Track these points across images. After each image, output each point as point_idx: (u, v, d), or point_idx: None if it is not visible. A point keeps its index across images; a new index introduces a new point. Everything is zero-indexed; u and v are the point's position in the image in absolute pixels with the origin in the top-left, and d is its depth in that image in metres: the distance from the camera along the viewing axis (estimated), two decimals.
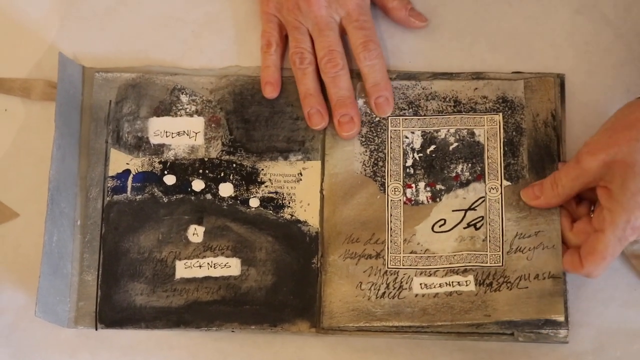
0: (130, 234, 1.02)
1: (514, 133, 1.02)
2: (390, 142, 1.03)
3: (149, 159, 1.04)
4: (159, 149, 1.05)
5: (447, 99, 1.04)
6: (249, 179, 1.03)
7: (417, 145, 1.03)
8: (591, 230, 0.96)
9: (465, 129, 1.03)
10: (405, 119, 1.04)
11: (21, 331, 1.03)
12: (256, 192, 1.03)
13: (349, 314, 0.99)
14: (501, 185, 1.01)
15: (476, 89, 1.04)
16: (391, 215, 1.01)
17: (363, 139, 1.03)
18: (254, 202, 1.03)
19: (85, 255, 1.02)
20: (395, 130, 1.04)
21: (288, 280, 1.00)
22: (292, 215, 1.02)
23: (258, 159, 1.04)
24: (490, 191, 1.01)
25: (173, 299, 1.00)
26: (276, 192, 1.03)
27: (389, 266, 1.00)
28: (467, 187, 1.01)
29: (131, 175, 1.04)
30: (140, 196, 1.03)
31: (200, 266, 1.01)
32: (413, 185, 1.02)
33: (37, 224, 1.01)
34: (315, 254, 1.01)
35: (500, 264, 0.98)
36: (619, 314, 1.00)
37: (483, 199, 1.01)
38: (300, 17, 1.04)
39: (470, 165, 1.02)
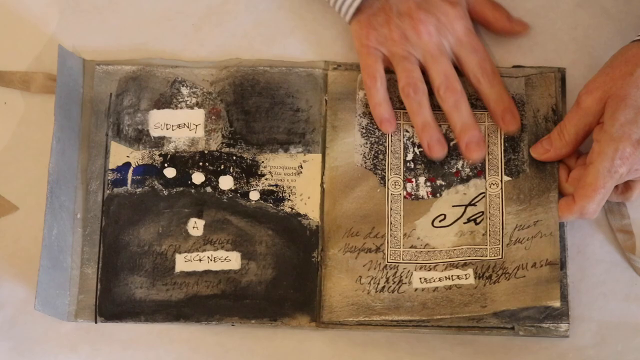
0: (130, 227, 1.02)
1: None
2: (391, 135, 1.03)
3: (149, 152, 1.04)
4: (160, 142, 1.04)
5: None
6: (249, 171, 1.03)
7: (417, 139, 1.03)
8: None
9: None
10: (406, 112, 1.03)
11: (21, 325, 1.03)
12: (256, 185, 1.03)
13: (349, 308, 0.99)
14: (501, 181, 1.01)
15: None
16: (391, 209, 1.01)
17: (363, 131, 1.03)
18: (254, 195, 1.03)
19: (85, 249, 1.02)
20: (396, 123, 1.03)
21: (288, 274, 1.00)
22: (292, 209, 1.02)
23: (258, 151, 1.04)
24: (490, 187, 1.01)
25: (173, 293, 1.00)
26: (276, 185, 1.03)
27: (389, 260, 1.00)
28: (467, 183, 1.01)
29: (131, 168, 1.04)
30: (140, 189, 1.03)
31: (200, 260, 1.01)
32: (413, 179, 1.02)
33: (37, 217, 1.01)
34: (316, 248, 1.01)
35: (500, 257, 0.99)
36: (620, 308, 1.00)
37: (483, 194, 1.01)
38: (409, 47, 1.02)
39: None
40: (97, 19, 1.09)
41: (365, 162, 1.02)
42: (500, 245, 0.99)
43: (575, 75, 1.04)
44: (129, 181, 1.03)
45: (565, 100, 1.03)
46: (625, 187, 0.99)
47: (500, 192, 1.00)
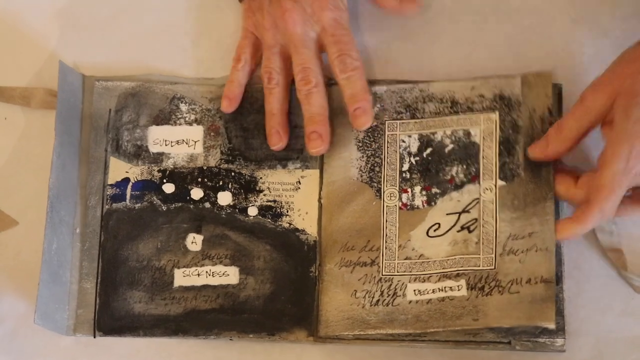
0: (129, 242, 1.03)
1: (510, 131, 1.01)
2: (387, 147, 1.03)
3: (148, 168, 1.05)
4: (158, 158, 1.05)
5: (445, 100, 1.03)
6: (248, 187, 1.04)
7: (413, 149, 1.02)
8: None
9: (462, 129, 1.02)
10: (403, 122, 1.03)
11: (21, 338, 1.03)
12: (255, 201, 1.03)
13: (344, 323, 0.99)
14: (496, 186, 1.00)
15: (473, 87, 1.03)
16: (387, 221, 1.01)
17: (360, 144, 1.03)
18: (253, 211, 1.03)
19: (84, 263, 1.03)
20: (392, 134, 1.03)
21: (286, 289, 1.01)
22: (290, 224, 1.03)
23: (257, 168, 1.04)
24: (484, 192, 1.00)
25: (171, 307, 1.01)
26: (274, 201, 1.03)
27: (384, 273, 0.99)
28: (461, 190, 1.01)
29: (130, 184, 1.04)
30: (139, 204, 1.04)
31: (198, 274, 1.02)
32: (409, 189, 1.02)
33: (37, 232, 1.02)
34: (313, 263, 1.01)
35: (493, 267, 0.98)
36: (617, 322, 1.00)
37: (477, 200, 1.00)
38: (277, 35, 1.04)
39: (465, 166, 1.01)
40: (97, 35, 1.09)
41: (361, 176, 1.03)
42: (493, 255, 0.98)
43: (571, 91, 1.04)
44: (128, 196, 1.04)
45: (562, 115, 1.03)
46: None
47: (494, 197, 1.00)
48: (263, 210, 1.03)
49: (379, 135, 1.03)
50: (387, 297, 0.99)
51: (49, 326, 0.99)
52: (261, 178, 1.04)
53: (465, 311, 0.97)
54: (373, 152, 1.03)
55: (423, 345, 0.99)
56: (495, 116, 1.02)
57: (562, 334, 0.97)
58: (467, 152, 1.01)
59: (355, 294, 0.99)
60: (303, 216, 1.02)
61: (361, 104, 1.02)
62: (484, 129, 1.02)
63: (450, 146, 1.02)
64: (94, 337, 1.01)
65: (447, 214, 1.00)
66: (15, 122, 1.08)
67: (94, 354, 1.02)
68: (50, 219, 1.01)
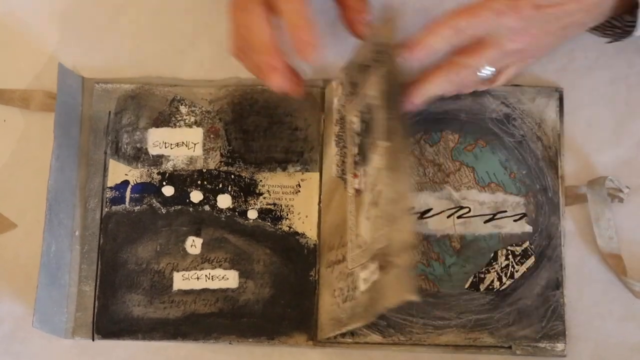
0: (128, 245, 1.03)
1: (391, 82, 0.92)
2: (346, 133, 1.00)
3: (148, 170, 1.04)
4: (158, 160, 1.05)
5: (366, 67, 0.96)
6: (247, 190, 1.04)
7: (357, 128, 0.98)
8: None
9: (371, 94, 0.94)
10: (353, 103, 0.99)
11: (20, 341, 1.03)
12: (254, 204, 1.03)
13: (330, 324, 0.97)
14: (383, 148, 0.91)
15: (375, 45, 0.95)
16: (350, 212, 0.97)
17: (337, 139, 1.01)
18: (252, 214, 1.03)
19: (83, 266, 1.03)
20: (349, 118, 0.99)
21: (286, 293, 1.01)
22: (290, 227, 1.02)
23: (256, 170, 1.04)
24: (378, 159, 0.92)
25: (170, 311, 1.01)
26: (274, 204, 1.03)
27: (349, 267, 0.96)
28: (370, 162, 0.93)
29: (130, 186, 1.04)
30: (138, 207, 1.03)
31: (198, 278, 1.01)
32: (359, 173, 0.97)
33: (36, 235, 1.02)
34: (313, 267, 1.01)
35: (386, 243, 0.88)
36: (617, 327, 1.00)
37: (376, 169, 0.92)
38: None
39: (371, 135, 0.94)
40: (97, 37, 1.09)
41: (337, 171, 1.00)
42: (386, 227, 0.88)
43: (574, 97, 1.04)
44: (127, 199, 1.04)
45: (563, 120, 1.03)
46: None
47: (383, 161, 0.90)
48: (263, 213, 1.03)
49: (345, 124, 1.01)
50: (351, 291, 0.94)
51: (47, 329, 0.99)
52: (261, 181, 1.04)
53: (378, 295, 0.88)
54: (344, 144, 1.01)
55: (423, 350, 0.99)
56: (383, 70, 0.93)
57: (563, 339, 0.97)
58: (373, 117, 0.94)
59: (334, 294, 0.97)
60: (303, 219, 1.02)
61: (300, 34, 0.90)
62: (381, 89, 0.93)
63: (368, 116, 0.96)
64: (93, 340, 1.01)
65: (369, 192, 0.94)
66: (15, 124, 1.08)
67: (93, 357, 1.02)
68: (49, 221, 1.00)
